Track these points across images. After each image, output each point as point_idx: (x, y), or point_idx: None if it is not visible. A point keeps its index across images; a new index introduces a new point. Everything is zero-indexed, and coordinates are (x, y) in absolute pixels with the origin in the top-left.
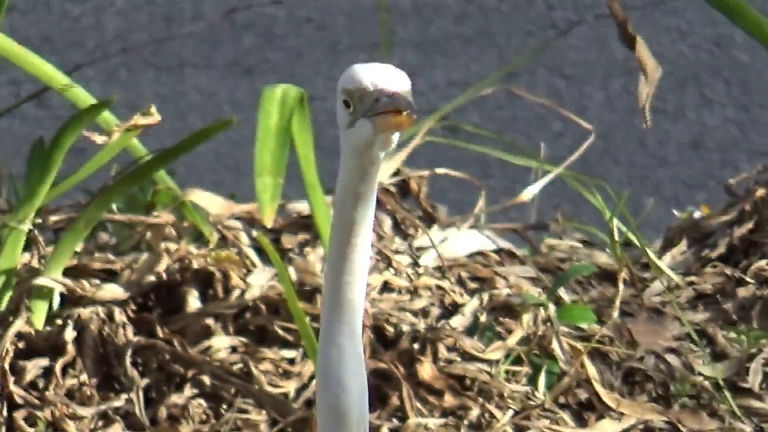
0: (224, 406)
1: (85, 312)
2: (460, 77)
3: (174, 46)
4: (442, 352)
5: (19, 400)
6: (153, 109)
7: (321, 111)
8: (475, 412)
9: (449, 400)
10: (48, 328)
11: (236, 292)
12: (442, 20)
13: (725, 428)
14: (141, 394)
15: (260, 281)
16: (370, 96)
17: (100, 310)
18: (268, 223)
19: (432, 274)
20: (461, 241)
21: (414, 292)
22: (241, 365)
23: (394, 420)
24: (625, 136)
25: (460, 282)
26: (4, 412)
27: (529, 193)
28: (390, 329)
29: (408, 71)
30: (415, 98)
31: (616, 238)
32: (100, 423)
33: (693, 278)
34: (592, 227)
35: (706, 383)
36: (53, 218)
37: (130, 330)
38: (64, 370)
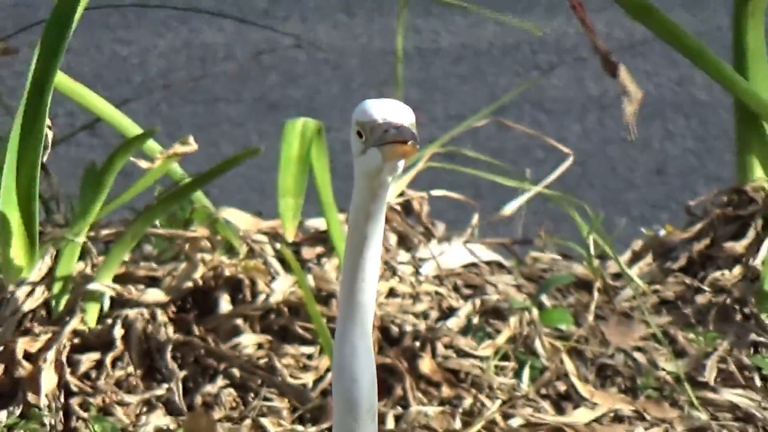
0: (251, 395)
1: (131, 313)
2: (457, 111)
3: (208, 83)
4: (440, 349)
5: (74, 389)
6: (191, 139)
7: (336, 141)
8: (468, 402)
9: (446, 390)
10: (99, 327)
11: (262, 297)
12: (440, 62)
13: (684, 416)
14: (179, 384)
15: (283, 287)
16: (380, 128)
17: (145, 311)
18: (290, 237)
19: (431, 282)
20: (457, 253)
21: (416, 297)
22: (266, 359)
23: (398, 408)
24: (599, 164)
25: (456, 289)
26: (62, 399)
27: (510, 209)
28: (395, 329)
29: (411, 106)
30: (418, 130)
31: (592, 251)
32: (144, 409)
33: (657, 287)
34: (570, 242)
35: (669, 377)
36: (104, 232)
37: (170, 328)
38: (114, 363)
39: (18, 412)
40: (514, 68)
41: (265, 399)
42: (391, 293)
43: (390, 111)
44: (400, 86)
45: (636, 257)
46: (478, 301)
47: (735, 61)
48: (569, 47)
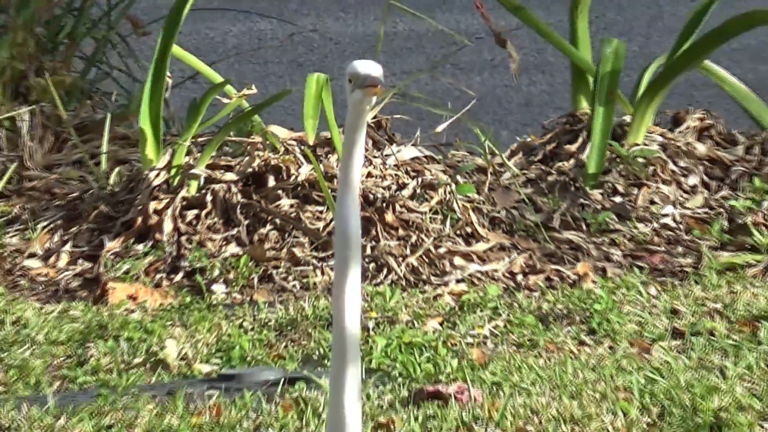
0: (286, 234)
1: (216, 186)
2: (408, 69)
3: (262, 53)
4: (398, 208)
5: (183, 231)
6: (253, 86)
7: (336, 86)
8: (413, 238)
9: (401, 232)
10: (197, 194)
11: (293, 177)
12: (397, 41)
13: (541, 247)
14: (244, 228)
15: (305, 171)
16: (362, 77)
17: (224, 185)
18: (311, 142)
19: (392, 168)
20: (407, 151)
21: (383, 177)
22: (295, 214)
23: (373, 242)
24: (491, 100)
25: (407, 172)
26: (176, 237)
27: (440, 128)
28: (371, 196)
29: (381, 65)
30: (384, 79)
31: (487, 150)
32: (224, 243)
33: (525, 171)
34: (474, 145)
35: (531, 224)
36: (200, 139)
37: (239, 195)
38: (206, 216)
39: (150, 245)
40: (442, 44)
41: (295, 237)
42: (369, 175)
43: (368, 67)
44: (377, 54)
45: (512, 154)
46: (420, 180)
47: (570, 39)
48: (474, 32)
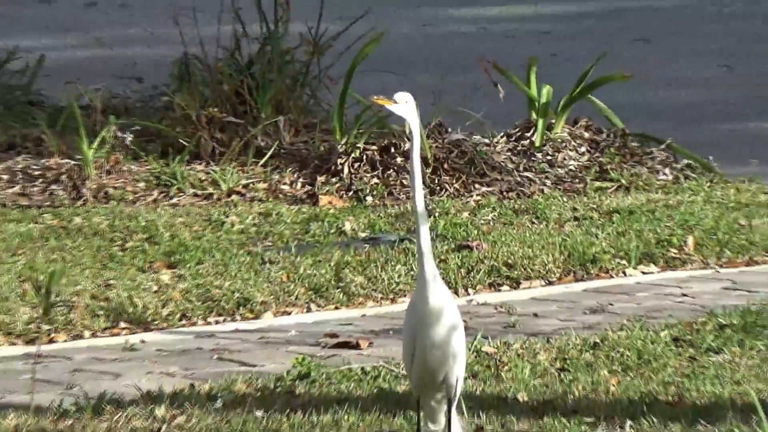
0: (399, 174)
1: (368, 152)
2: (455, 99)
3: (388, 92)
4: (450, 161)
5: (352, 172)
6: (384, 107)
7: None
8: (456, 175)
9: (451, 172)
10: (358, 156)
11: (403, 148)
12: (452, 87)
13: (514, 179)
14: (380, 171)
15: (408, 145)
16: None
17: (371, 152)
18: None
19: (447, 143)
20: (454, 135)
21: (442, 147)
22: (404, 164)
23: (438, 177)
24: (494, 113)
25: (454, 145)
26: (349, 175)
27: (471, 121)
28: (437, 156)
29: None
30: (444, 103)
31: (490, 135)
32: (371, 177)
33: (506, 146)
34: (484, 134)
35: (510, 168)
36: (360, 131)
37: (378, 156)
38: (362, 165)
39: (338, 178)
40: (462, 87)
41: (403, 175)
42: (436, 147)
43: (399, 95)
44: (440, 94)
45: (501, 137)
46: (460, 148)
47: (527, 84)
48: (487, 82)
